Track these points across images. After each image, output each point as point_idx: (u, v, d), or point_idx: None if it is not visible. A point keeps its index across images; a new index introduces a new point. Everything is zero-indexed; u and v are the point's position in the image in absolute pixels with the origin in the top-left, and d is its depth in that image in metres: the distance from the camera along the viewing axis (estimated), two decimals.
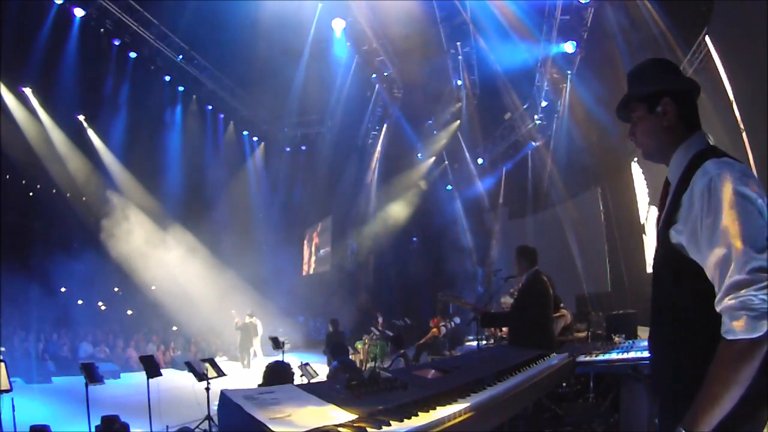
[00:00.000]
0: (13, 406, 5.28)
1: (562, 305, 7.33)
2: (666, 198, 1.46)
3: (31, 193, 13.70)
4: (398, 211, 16.56)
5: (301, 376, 6.93)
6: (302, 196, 17.88)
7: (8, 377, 4.90)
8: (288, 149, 18.28)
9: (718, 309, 1.18)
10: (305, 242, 19.95)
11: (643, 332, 5.35)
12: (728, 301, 1.14)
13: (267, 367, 3.42)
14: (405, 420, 1.14)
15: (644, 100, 1.46)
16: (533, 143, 14.10)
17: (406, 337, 11.01)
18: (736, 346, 1.13)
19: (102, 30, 11.43)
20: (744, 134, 6.16)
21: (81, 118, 13.18)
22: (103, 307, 14.93)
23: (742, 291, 1.12)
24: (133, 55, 12.52)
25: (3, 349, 9.57)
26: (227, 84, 15.17)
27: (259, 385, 3.17)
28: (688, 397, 1.22)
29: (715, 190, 1.22)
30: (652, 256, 1.48)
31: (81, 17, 11.03)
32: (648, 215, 9.10)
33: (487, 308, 4.73)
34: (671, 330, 1.36)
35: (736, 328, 1.12)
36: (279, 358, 8.16)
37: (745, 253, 1.14)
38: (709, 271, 1.21)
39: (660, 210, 1.49)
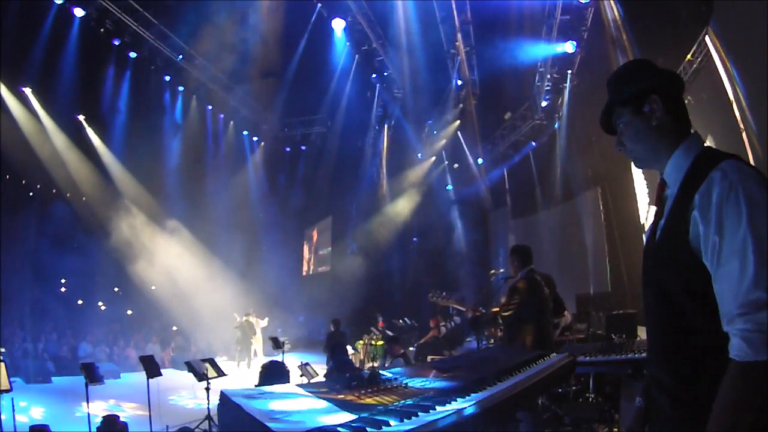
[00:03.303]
0: (13, 406, 5.30)
1: None
2: (662, 201, 1.39)
3: (31, 193, 13.70)
4: (398, 211, 16.56)
5: (301, 376, 6.92)
6: (302, 196, 17.88)
7: (8, 377, 4.91)
8: (288, 149, 18.28)
9: (726, 326, 1.10)
10: (305, 242, 19.95)
11: (643, 332, 5.35)
12: (743, 324, 1.07)
13: (262, 366, 3.43)
14: (405, 420, 1.14)
15: (629, 103, 1.38)
16: (533, 143, 14.11)
17: (406, 338, 11.01)
18: (751, 368, 1.05)
19: (102, 30, 11.42)
20: (744, 134, 6.16)
21: (81, 118, 13.18)
22: (103, 307, 14.93)
23: (758, 312, 1.05)
24: (133, 55, 12.52)
25: (3, 349, 9.57)
26: (227, 84, 15.17)
27: (256, 385, 3.17)
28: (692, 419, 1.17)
29: (736, 197, 1.14)
30: (645, 264, 1.38)
31: (81, 17, 11.02)
32: (648, 215, 9.10)
33: (479, 309, 4.68)
34: (682, 346, 1.26)
35: (749, 349, 1.05)
36: (279, 357, 8.17)
37: (765, 269, 1.06)
38: (719, 283, 1.13)
39: (658, 215, 1.41)
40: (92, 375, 5.52)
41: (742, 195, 1.14)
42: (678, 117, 1.37)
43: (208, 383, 5.92)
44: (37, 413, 7.22)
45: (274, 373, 3.24)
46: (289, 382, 3.31)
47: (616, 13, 9.13)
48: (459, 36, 12.90)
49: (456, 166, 16.78)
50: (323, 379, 5.66)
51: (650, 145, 1.38)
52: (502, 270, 8.44)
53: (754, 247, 1.08)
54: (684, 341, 1.25)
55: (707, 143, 1.43)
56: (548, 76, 12.01)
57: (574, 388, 4.82)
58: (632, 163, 1.49)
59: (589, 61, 11.04)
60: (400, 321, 12.78)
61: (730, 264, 1.11)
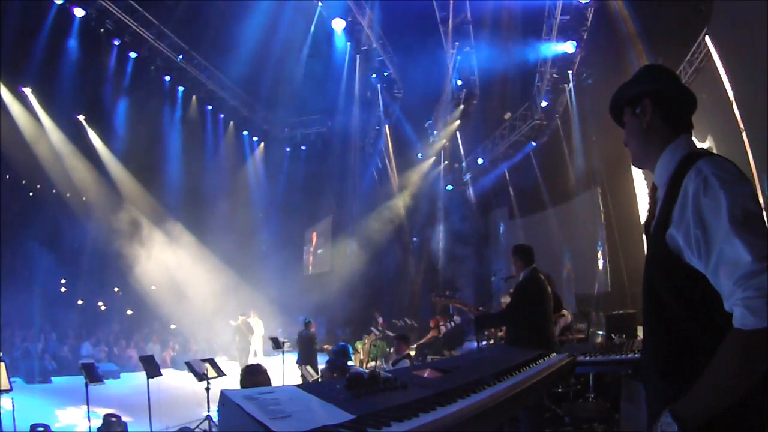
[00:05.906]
0: (13, 406, 5.30)
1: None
2: (654, 202, 1.43)
3: (31, 193, 13.70)
4: (398, 211, 16.56)
5: (301, 375, 6.94)
6: (302, 196, 17.88)
7: (8, 377, 4.91)
8: (288, 149, 18.29)
9: (729, 304, 1.12)
10: (305, 242, 19.95)
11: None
12: (742, 292, 1.08)
13: (241, 372, 3.42)
14: (405, 420, 1.14)
15: (628, 103, 1.48)
16: (533, 143, 14.11)
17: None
18: (751, 336, 1.06)
19: (102, 30, 11.42)
20: (744, 134, 6.16)
21: (81, 118, 13.17)
22: (103, 307, 14.93)
23: (756, 279, 1.07)
24: (133, 55, 12.51)
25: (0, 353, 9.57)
26: (227, 84, 15.16)
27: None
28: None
29: (712, 188, 1.19)
30: (644, 263, 1.42)
31: (81, 17, 11.02)
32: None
33: (479, 308, 4.67)
34: (665, 342, 1.31)
35: (752, 316, 1.06)
36: (279, 357, 8.16)
37: (754, 244, 1.10)
38: (715, 270, 1.16)
39: (650, 215, 1.45)
40: (92, 375, 5.53)
41: (717, 182, 1.19)
42: (671, 123, 1.42)
43: (208, 383, 5.93)
44: (38, 413, 7.20)
45: (254, 377, 3.21)
46: (270, 384, 3.29)
47: (624, 11, 9.08)
48: (459, 36, 12.90)
49: (456, 166, 16.78)
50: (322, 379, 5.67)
51: (641, 145, 1.46)
52: (501, 269, 8.43)
53: (737, 227, 1.13)
54: (668, 339, 1.31)
55: (707, 143, 1.45)
56: (548, 76, 12.02)
57: (574, 388, 4.81)
58: (631, 163, 1.53)
59: (589, 61, 11.05)
60: (400, 321, 12.78)
61: (720, 248, 1.15)
